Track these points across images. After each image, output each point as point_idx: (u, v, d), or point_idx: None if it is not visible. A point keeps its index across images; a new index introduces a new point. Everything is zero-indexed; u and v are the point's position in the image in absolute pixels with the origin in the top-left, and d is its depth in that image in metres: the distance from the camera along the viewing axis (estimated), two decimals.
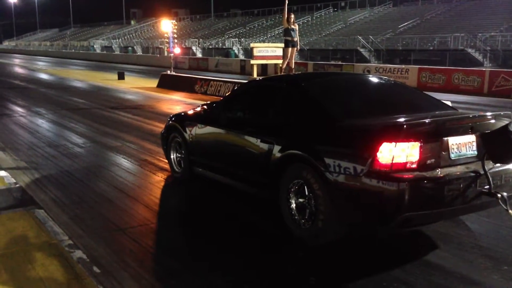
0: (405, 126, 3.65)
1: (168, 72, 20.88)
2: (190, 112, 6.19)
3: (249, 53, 37.11)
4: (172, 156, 6.31)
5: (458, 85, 18.89)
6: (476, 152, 3.89)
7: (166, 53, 43.36)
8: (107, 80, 22.55)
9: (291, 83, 5.14)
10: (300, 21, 42.56)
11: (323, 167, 3.85)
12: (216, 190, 5.75)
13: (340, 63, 26.90)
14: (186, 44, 47.45)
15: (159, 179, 6.40)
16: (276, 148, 4.37)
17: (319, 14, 46.29)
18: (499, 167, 3.87)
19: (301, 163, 4.13)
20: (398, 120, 3.90)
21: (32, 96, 16.11)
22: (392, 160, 3.51)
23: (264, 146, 4.53)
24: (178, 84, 18.30)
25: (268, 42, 35.32)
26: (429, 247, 4.13)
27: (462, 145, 3.82)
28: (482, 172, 3.71)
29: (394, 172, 3.51)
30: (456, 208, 3.71)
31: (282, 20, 13.53)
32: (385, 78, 5.77)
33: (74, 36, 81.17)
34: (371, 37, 33.06)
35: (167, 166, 6.71)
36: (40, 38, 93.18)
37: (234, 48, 42.81)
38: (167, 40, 22.08)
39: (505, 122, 3.91)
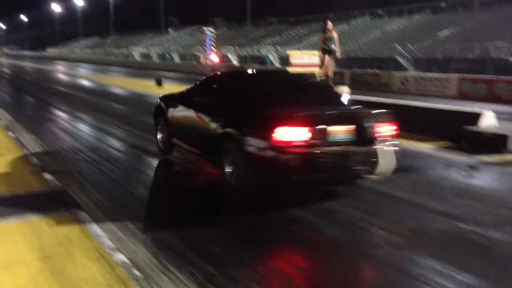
0: (294, 116, 5.12)
1: None
2: (172, 95, 7.96)
3: (285, 60, 37.14)
4: (158, 127, 7.87)
5: (500, 95, 18.35)
6: (352, 138, 5.24)
7: (203, 61, 43.94)
8: (146, 86, 22.99)
9: (231, 77, 7.15)
10: (336, 29, 42.35)
11: (243, 142, 5.32)
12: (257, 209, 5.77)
13: (377, 71, 26.57)
14: (223, 52, 47.97)
15: (195, 183, 6.48)
16: (219, 126, 5.81)
17: (355, 22, 45.95)
18: (366, 148, 5.27)
19: (231, 138, 5.56)
20: (295, 111, 5.23)
21: (74, 101, 16.59)
22: (284, 139, 4.98)
23: (213, 124, 5.99)
24: None
25: (305, 50, 35.26)
26: None
27: (340, 131, 5.22)
28: (352, 151, 5.19)
29: (284, 147, 4.98)
30: (329, 177, 5.35)
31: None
32: (310, 78, 7.55)
33: (114, 43, 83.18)
34: (409, 45, 32.53)
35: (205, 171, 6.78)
36: (82, 46, 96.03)
37: (270, 56, 42.97)
38: (204, 47, 22.36)
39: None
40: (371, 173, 5.34)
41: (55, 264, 3.85)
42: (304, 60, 14.08)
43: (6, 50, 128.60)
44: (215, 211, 5.54)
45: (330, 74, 13.50)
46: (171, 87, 22.59)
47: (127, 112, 13.85)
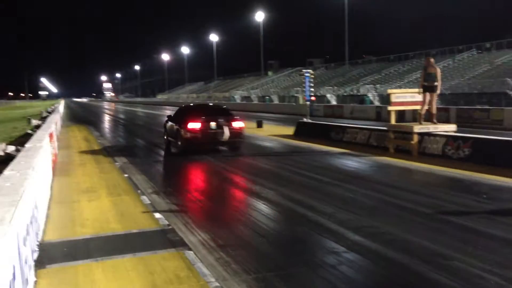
0: (194, 119, 13.06)
1: (304, 119, 21.35)
2: (167, 117, 15.58)
3: (385, 99, 36.42)
4: (164, 131, 15.45)
5: None
6: (217, 127, 13.11)
7: (301, 101, 44.46)
8: (247, 128, 23.69)
9: (182, 107, 16.09)
10: (440, 64, 40.84)
11: (181, 131, 13.20)
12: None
13: (486, 107, 25.02)
14: (321, 92, 48.28)
15: (296, 224, 6.48)
16: (177, 126, 13.60)
17: (461, 56, 44.02)
18: (221, 130, 13.21)
19: (178, 130, 13.46)
20: (198, 117, 13.16)
21: None
22: (190, 127, 12.91)
23: (176, 126, 13.82)
24: (314, 131, 18.57)
25: (405, 88, 34.35)
26: None
27: (213, 124, 13.10)
28: (216, 132, 13.13)
29: (189, 131, 12.92)
30: (208, 143, 13.22)
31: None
32: (217, 105, 20.55)
33: (217, 88, 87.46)
34: None
35: (309, 214, 6.78)
36: (188, 91, 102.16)
37: (369, 95, 42.41)
38: (303, 89, 22.73)
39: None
40: (223, 140, 13.22)
41: None
42: (406, 99, 13.66)
43: (121, 97, 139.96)
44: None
45: (433, 111, 12.99)
46: (270, 128, 23.12)
47: (229, 154, 14.31)
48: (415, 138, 12.67)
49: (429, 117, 13.18)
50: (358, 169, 11.15)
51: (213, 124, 13.08)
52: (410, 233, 5.98)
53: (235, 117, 13.84)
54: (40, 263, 5.00)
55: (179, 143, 13.38)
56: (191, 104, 19.70)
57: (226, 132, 13.08)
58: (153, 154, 15.12)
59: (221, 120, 13.24)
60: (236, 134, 13.46)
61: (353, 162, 12.11)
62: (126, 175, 10.54)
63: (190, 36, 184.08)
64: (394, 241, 5.73)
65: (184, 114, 14.05)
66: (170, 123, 14.72)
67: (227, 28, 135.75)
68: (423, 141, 12.75)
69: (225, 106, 17.44)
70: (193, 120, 12.99)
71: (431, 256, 5.18)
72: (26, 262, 3.93)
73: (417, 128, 12.67)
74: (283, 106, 46.12)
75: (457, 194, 8.24)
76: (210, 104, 25.58)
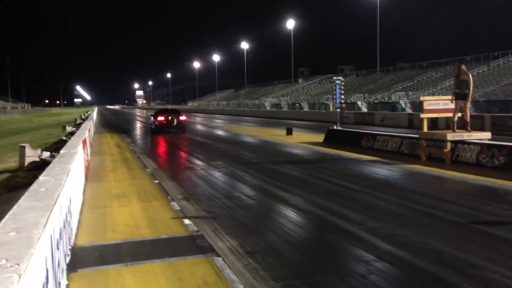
0: (160, 114, 27.52)
1: (334, 127, 21.20)
2: (152, 115, 28.52)
3: (417, 106, 35.84)
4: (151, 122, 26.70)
5: None
6: (171, 119, 27.24)
7: (331, 109, 44.20)
8: (277, 135, 23.73)
9: (157, 109, 32.61)
10: (474, 71, 39.97)
11: (155, 120, 27.47)
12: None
13: None
14: (351, 99, 47.90)
15: (325, 231, 6.42)
16: (153, 119, 28.36)
17: (496, 63, 42.98)
18: (173, 121, 27.47)
19: (152, 120, 28.72)
20: (162, 114, 27.60)
21: (209, 150, 17.71)
22: (158, 119, 27.00)
23: (153, 119, 28.33)
24: (344, 138, 18.42)
25: (438, 95, 33.74)
26: None
27: (170, 117, 27.28)
28: (171, 121, 27.39)
29: (158, 121, 27.00)
30: (167, 127, 27.08)
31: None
32: (173, 108, 40.52)
33: (247, 95, 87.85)
34: None
35: (338, 222, 6.73)
36: (218, 98, 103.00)
37: (400, 102, 41.83)
38: (333, 96, 22.62)
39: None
40: (174, 125, 27.14)
41: None
42: (439, 106, 13.41)
43: (152, 104, 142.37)
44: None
45: (466, 118, 12.74)
46: (300, 135, 23.06)
47: (259, 160, 14.37)
48: (448, 146, 12.42)
49: (463, 125, 12.93)
50: (388, 177, 11.00)
51: (169, 118, 27.04)
52: (442, 243, 5.85)
53: (181, 114, 28.16)
54: (72, 267, 5.11)
55: (153, 126, 27.83)
56: (160, 108, 37.86)
57: (175, 121, 27.07)
58: (183, 161, 15.29)
59: (173, 115, 27.36)
60: (180, 122, 27.30)
61: (383, 170, 11.95)
62: (156, 181, 10.69)
63: (221, 44, 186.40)
64: (425, 250, 5.62)
65: (157, 113, 27.83)
66: (152, 118, 28.74)
67: (258, 36, 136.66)
68: (456, 149, 12.48)
69: (176, 108, 44.91)
70: (160, 116, 27.17)
71: (463, 267, 5.05)
72: (59, 266, 4.03)
73: (451, 135, 12.42)
74: (313, 113, 45.94)
75: (491, 203, 8.02)
76: (169, 107, 59.88)
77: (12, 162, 16.24)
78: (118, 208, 8.04)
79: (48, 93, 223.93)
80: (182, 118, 27.58)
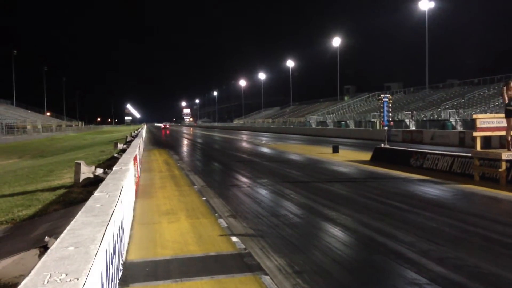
0: (164, 123, 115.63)
1: (382, 145, 20.85)
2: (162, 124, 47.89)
3: (468, 124, 34.74)
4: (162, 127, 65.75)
5: None
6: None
7: (378, 126, 43.48)
8: (322, 153, 23.56)
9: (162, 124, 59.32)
10: None
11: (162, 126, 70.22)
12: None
13: None
14: (399, 117, 47.01)
15: (374, 252, 6.29)
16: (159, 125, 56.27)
17: None
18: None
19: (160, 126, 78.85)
20: (164, 123, 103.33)
21: (256, 168, 17.78)
22: (162, 126, 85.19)
23: (159, 125, 44.51)
24: (392, 157, 18.06)
25: (491, 113, 32.59)
26: None
27: (167, 124, 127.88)
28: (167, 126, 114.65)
29: (164, 127, 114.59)
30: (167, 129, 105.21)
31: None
32: (168, 122, 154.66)
33: (293, 113, 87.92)
34: None
35: (387, 242, 6.59)
36: (264, 116, 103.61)
37: (451, 120, 40.68)
38: (380, 113, 22.30)
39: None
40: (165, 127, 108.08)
41: None
42: (493, 124, 12.95)
43: (199, 122, 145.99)
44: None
45: None
46: (346, 153, 22.80)
47: (306, 178, 14.29)
48: (503, 165, 11.95)
49: None
50: (440, 197, 10.67)
51: (166, 125, 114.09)
52: (498, 267, 5.61)
53: (169, 124, 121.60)
54: (124, 282, 5.24)
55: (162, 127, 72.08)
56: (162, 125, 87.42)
57: (167, 126, 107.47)
58: (229, 178, 15.43)
59: (166, 123, 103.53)
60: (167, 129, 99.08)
61: (434, 190, 11.61)
62: (204, 198, 10.84)
63: (267, 62, 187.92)
64: (480, 274, 5.41)
65: (162, 124, 51.87)
66: (161, 125, 40.46)
67: (304, 53, 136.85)
68: (511, 168, 12.00)
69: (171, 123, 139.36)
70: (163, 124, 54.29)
71: None
72: (112, 280, 4.14)
73: (506, 154, 11.95)
74: (359, 131, 45.35)
75: None
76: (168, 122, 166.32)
77: (67, 178, 16.91)
78: (167, 225, 8.20)
79: (100, 111, 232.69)
80: (169, 124, 50.49)
